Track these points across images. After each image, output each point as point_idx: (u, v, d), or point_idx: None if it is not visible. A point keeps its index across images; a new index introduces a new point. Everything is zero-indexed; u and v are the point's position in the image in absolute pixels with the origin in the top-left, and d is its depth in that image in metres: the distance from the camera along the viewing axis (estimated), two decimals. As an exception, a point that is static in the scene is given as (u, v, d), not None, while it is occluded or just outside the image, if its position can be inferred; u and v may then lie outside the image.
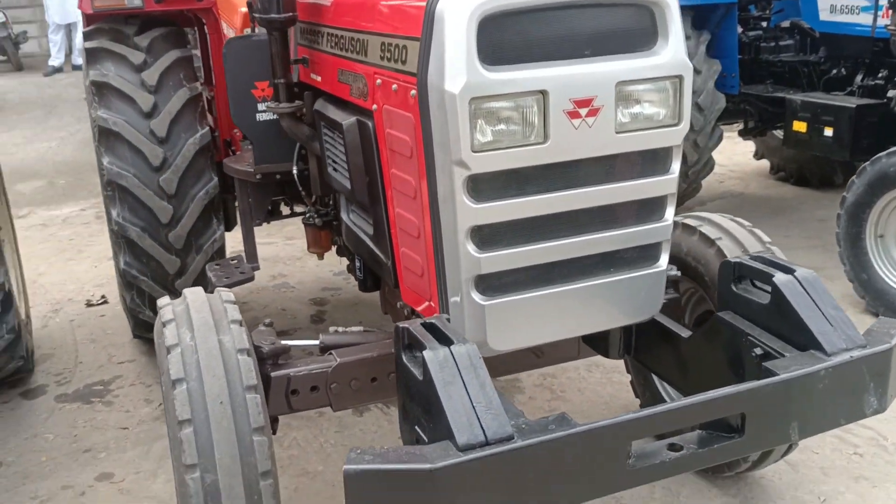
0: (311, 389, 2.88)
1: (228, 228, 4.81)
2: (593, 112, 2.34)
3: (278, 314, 5.53)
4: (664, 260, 2.65)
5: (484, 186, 2.33)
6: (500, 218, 2.36)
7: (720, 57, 6.36)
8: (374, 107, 2.71)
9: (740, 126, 7.06)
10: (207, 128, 4.36)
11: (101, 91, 4.31)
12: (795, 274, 2.46)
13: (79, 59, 12.86)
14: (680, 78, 2.44)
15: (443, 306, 2.51)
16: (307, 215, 3.90)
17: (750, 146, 8.35)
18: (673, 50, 2.41)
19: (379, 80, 2.63)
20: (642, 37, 2.40)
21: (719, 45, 6.41)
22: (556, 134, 2.32)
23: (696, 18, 6.30)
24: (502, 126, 2.28)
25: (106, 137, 4.26)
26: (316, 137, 3.41)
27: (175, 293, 4.50)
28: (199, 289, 2.79)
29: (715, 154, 6.64)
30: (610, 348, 3.05)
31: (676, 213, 2.70)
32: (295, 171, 3.77)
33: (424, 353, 2.07)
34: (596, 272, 2.55)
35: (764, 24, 6.85)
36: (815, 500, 3.38)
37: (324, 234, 3.88)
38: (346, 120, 2.93)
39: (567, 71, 2.29)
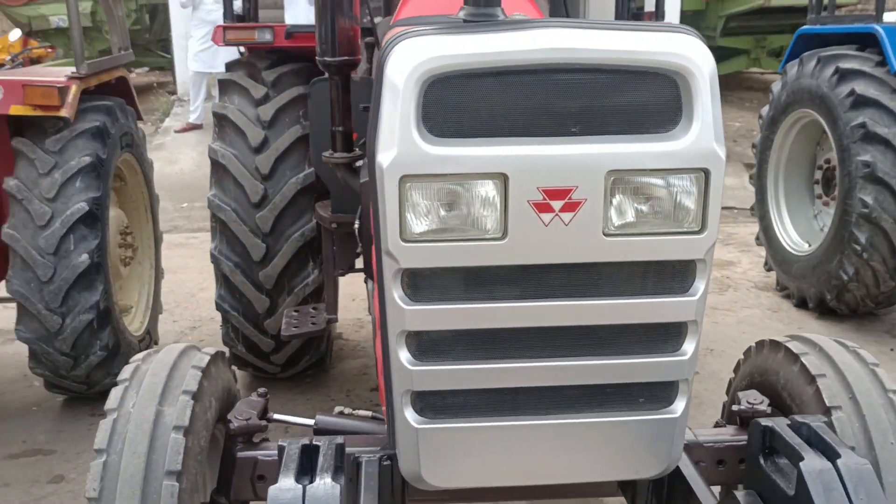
0: (282, 477, 2.56)
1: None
2: (571, 206, 1.81)
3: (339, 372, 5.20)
4: (680, 405, 2.01)
5: (424, 284, 1.88)
6: (440, 326, 1.89)
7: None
8: (370, 171, 2.36)
9: None
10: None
11: (220, 122, 4.35)
12: (838, 462, 1.73)
13: None
14: (705, 172, 1.82)
15: (389, 417, 2.09)
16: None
17: None
18: (698, 134, 1.80)
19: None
20: (656, 114, 1.82)
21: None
22: (519, 230, 1.82)
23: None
24: (446, 213, 1.82)
25: (215, 169, 4.29)
26: (368, 194, 3.11)
27: (265, 333, 4.44)
28: (178, 346, 2.58)
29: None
30: (637, 496, 2.42)
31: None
32: (357, 226, 3.49)
33: (270, 489, 1.67)
34: (577, 408, 1.99)
35: None
36: None
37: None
38: (363, 181, 2.61)
39: (537, 151, 1.78)
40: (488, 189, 1.80)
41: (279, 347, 4.44)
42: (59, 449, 4.24)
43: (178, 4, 11.92)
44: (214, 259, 4.26)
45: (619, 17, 4.98)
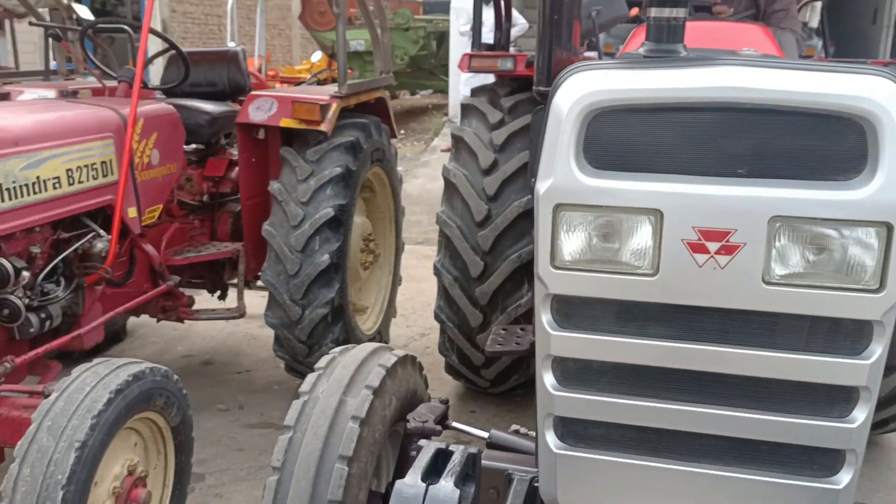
0: (447, 482, 2.68)
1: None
2: (729, 249, 1.74)
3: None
4: (846, 477, 1.83)
5: (572, 311, 1.90)
6: (585, 354, 1.90)
7: None
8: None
9: None
10: (539, 193, 4.34)
11: (457, 144, 4.61)
12: None
13: None
14: (888, 226, 1.66)
15: (535, 439, 2.13)
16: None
17: None
18: (882, 185, 1.65)
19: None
20: (835, 161, 1.70)
21: None
22: (671, 268, 1.78)
23: None
24: (597, 244, 1.84)
25: (447, 187, 4.55)
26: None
27: (476, 347, 4.61)
28: (370, 346, 2.80)
29: None
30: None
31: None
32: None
33: (396, 482, 1.78)
34: (725, 460, 1.89)
35: None
36: None
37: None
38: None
39: (696, 190, 1.74)
40: (642, 224, 1.79)
41: (489, 363, 4.59)
42: (288, 426, 4.72)
43: (457, 32, 12.69)
44: (437, 271, 4.52)
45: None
